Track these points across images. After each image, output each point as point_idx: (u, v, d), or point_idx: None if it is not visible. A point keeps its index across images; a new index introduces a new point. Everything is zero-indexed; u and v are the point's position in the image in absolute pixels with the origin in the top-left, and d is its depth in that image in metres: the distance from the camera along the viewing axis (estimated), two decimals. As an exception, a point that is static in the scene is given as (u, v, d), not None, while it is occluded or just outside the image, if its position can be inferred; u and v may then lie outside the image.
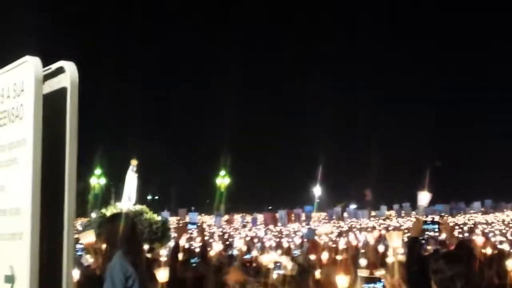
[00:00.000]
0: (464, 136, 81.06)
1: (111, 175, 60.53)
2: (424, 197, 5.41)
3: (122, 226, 6.14)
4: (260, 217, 53.07)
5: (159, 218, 28.28)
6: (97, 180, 51.32)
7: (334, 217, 52.34)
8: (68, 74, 3.28)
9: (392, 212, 57.22)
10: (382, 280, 4.01)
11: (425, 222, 7.43)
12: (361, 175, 71.89)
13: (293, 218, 48.34)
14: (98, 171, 50.92)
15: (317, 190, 61.37)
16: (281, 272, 7.60)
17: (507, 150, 76.93)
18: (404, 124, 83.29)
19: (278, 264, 8.18)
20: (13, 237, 3.23)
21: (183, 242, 14.72)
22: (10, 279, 3.21)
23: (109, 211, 27.06)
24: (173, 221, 44.56)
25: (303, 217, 49.57)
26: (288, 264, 7.93)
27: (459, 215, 53.45)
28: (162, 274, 6.15)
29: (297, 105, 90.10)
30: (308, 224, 45.84)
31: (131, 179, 28.08)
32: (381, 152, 75.80)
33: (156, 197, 76.27)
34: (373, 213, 56.26)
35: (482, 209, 56.37)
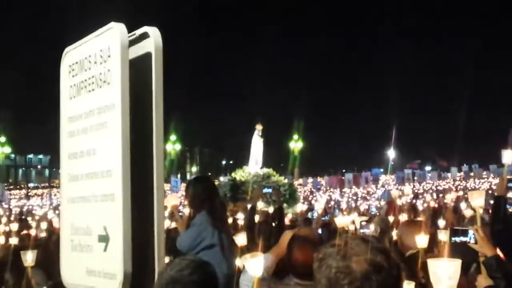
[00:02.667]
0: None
1: (186, 141, 61.67)
2: (508, 155, 5.27)
3: (204, 188, 6.27)
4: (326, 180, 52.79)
5: (285, 180, 28.59)
6: (172, 146, 52.31)
7: (404, 178, 51.63)
8: (152, 40, 3.34)
9: (462, 174, 56.16)
10: (471, 232, 3.93)
11: (511, 181, 7.21)
12: (434, 138, 70.69)
13: (360, 181, 48.02)
14: (173, 137, 51.87)
15: (391, 153, 60.70)
16: (367, 231, 7.62)
17: None
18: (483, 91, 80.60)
19: (363, 223, 8.19)
20: (105, 198, 3.35)
21: (260, 205, 14.90)
22: (104, 238, 3.34)
23: (238, 174, 27.68)
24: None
25: (370, 179, 49.10)
26: (372, 225, 7.94)
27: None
28: (241, 238, 6.19)
29: (367, 72, 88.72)
30: (383, 187, 45.54)
31: (257, 143, 28.46)
32: (453, 117, 74.60)
33: (231, 162, 77.23)
34: (447, 175, 55.49)
35: None
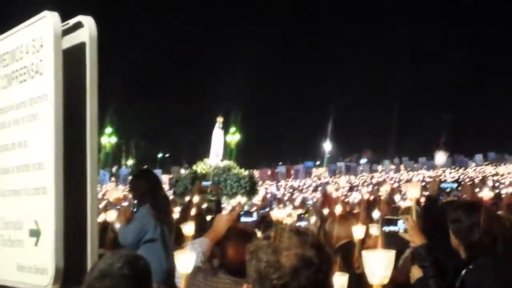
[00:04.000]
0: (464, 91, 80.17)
1: (122, 134, 60.82)
2: (440, 157, 5.43)
3: (147, 182, 6.25)
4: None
5: (246, 172, 28.72)
6: (108, 139, 51.54)
7: (337, 171, 52.44)
8: (87, 29, 3.27)
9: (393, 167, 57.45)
10: (401, 222, 4.00)
11: (444, 182, 7.36)
12: (369, 132, 71.85)
13: (292, 174, 48.45)
14: (109, 129, 51.10)
15: (327, 146, 61.51)
16: (304, 224, 7.71)
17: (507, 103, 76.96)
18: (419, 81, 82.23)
19: (302, 216, 8.28)
20: (37, 191, 3.27)
21: (196, 199, 14.88)
22: (35, 233, 3.26)
23: (199, 167, 27.68)
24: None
25: (302, 172, 49.57)
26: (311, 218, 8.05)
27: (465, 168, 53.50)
28: (189, 227, 6.14)
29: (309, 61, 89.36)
30: (319, 179, 46.10)
31: (218, 136, 28.48)
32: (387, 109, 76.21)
33: (167, 155, 76.69)
34: (379, 167, 56.70)
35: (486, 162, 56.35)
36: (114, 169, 46.01)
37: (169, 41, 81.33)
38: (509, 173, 43.06)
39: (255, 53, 73.63)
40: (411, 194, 4.31)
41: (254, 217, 4.80)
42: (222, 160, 28.04)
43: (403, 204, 10.67)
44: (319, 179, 48.03)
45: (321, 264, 2.11)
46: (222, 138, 28.29)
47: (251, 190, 26.44)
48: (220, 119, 28.27)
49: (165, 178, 37.08)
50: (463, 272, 3.84)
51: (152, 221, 5.89)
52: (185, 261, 3.57)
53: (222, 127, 28.27)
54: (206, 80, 78.95)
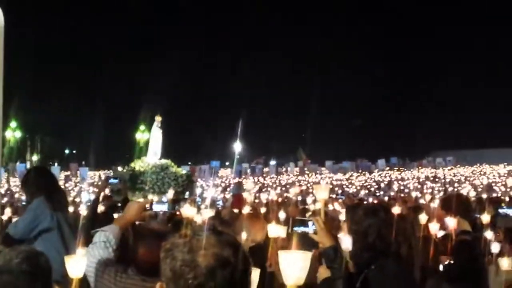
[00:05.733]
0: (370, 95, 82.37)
1: (28, 128, 59.04)
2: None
3: (42, 177, 6.22)
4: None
5: (184, 171, 28.75)
6: (12, 133, 49.94)
7: (242, 172, 52.73)
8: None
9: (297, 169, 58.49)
10: (311, 223, 4.05)
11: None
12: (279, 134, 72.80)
13: (196, 174, 48.49)
14: (13, 123, 49.51)
15: (237, 146, 61.71)
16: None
17: (409, 109, 80.00)
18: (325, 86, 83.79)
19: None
20: None
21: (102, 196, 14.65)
22: None
23: (137, 165, 27.51)
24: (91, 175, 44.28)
25: (207, 173, 49.51)
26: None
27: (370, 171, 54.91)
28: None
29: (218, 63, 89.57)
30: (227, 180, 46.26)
31: (156, 134, 28.60)
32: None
33: (74, 151, 75.06)
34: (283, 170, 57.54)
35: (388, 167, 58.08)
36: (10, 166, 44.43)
37: (80, 33, 79.64)
38: (413, 178, 44.59)
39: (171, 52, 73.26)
40: (320, 196, 4.36)
41: (166, 206, 4.76)
42: (160, 159, 28.12)
43: (312, 207, 10.85)
44: (227, 179, 48.30)
45: (237, 264, 2.11)
46: (160, 137, 28.37)
47: (188, 189, 26.67)
48: (158, 118, 28.63)
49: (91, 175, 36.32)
50: (364, 272, 3.94)
51: (46, 211, 5.84)
52: (75, 265, 3.44)
53: (160, 126, 28.39)
54: (117, 75, 77.64)
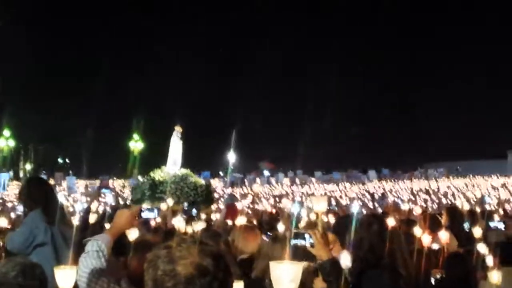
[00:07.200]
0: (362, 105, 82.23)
1: (21, 138, 58.79)
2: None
3: (38, 188, 6.21)
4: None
5: (203, 181, 28.97)
6: (6, 142, 49.81)
7: (234, 183, 52.52)
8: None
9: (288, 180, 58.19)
10: (308, 236, 4.04)
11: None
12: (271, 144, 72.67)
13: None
14: (7, 132, 49.37)
15: (231, 156, 61.62)
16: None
17: (401, 121, 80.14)
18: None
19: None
20: None
21: (95, 206, 14.65)
22: None
23: (156, 174, 27.60)
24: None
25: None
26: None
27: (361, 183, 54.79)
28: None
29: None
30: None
31: (176, 144, 28.79)
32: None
33: (67, 160, 74.76)
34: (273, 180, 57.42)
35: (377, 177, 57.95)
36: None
37: (68, 40, 79.43)
38: (406, 189, 44.56)
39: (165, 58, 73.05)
40: (318, 208, 4.32)
41: (155, 213, 4.76)
42: (179, 169, 28.36)
43: (306, 219, 10.85)
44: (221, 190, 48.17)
45: (217, 273, 2.17)
46: (180, 147, 28.52)
47: (207, 199, 26.75)
48: (178, 129, 28.81)
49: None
50: (354, 281, 3.99)
51: (41, 225, 5.85)
52: (65, 277, 3.42)
53: (180, 137, 28.68)
54: (112, 83, 77.48)
